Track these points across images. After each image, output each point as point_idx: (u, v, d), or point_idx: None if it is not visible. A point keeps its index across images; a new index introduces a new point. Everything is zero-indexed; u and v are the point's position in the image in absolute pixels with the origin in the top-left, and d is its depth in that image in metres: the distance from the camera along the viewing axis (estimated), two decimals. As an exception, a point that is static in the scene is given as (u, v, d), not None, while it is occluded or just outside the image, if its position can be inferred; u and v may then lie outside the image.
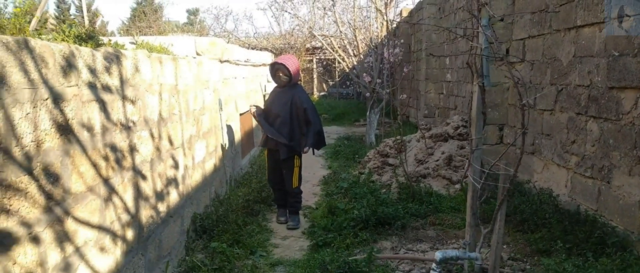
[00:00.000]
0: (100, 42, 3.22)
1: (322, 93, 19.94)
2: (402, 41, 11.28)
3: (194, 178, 4.22)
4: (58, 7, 27.06)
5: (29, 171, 1.87)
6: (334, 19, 11.48)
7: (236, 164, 6.25)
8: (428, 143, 6.66)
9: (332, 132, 11.44)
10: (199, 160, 4.40)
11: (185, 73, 4.12)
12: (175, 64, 3.85)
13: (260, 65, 8.89)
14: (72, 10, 27.36)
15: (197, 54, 5.28)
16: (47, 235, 1.96)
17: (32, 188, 1.88)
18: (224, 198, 4.93)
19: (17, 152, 1.80)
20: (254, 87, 8.24)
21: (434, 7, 10.02)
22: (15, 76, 1.80)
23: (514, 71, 5.54)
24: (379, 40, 9.87)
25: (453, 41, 8.66)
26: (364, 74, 9.37)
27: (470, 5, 3.25)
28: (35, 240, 1.89)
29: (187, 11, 36.47)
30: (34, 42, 1.94)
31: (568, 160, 4.39)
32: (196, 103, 4.42)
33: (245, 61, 7.29)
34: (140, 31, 16.84)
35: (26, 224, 1.83)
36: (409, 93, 12.25)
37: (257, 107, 4.87)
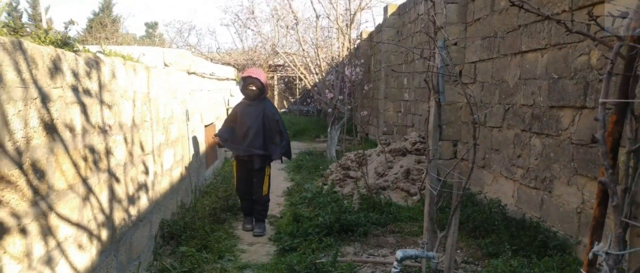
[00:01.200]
0: (75, 49, 3.30)
1: (283, 110, 20.14)
2: (362, 61, 11.71)
3: (163, 185, 4.29)
4: (9, 14, 26.04)
5: (20, 166, 1.96)
6: (297, 37, 11.78)
7: (201, 175, 6.31)
8: (387, 157, 6.97)
9: (293, 147, 11.54)
10: (167, 168, 4.47)
11: (157, 82, 4.22)
12: (147, 73, 3.95)
13: (224, 79, 9.01)
14: (25, 19, 26.41)
15: (165, 65, 5.37)
16: (33, 227, 2.04)
17: (22, 182, 1.97)
18: (190, 206, 5.00)
19: (9, 146, 1.89)
20: (218, 100, 8.34)
21: (392, 30, 10.51)
22: (9, 75, 1.90)
23: (466, 89, 5.96)
24: (341, 59, 10.23)
25: (411, 62, 9.12)
26: (327, 91, 9.66)
27: (427, 28, 3.57)
28: (23, 231, 1.97)
29: (146, 24, 35.87)
30: (27, 44, 2.05)
31: (514, 173, 4.78)
32: (165, 111, 4.51)
33: (210, 74, 7.40)
34: (98, 42, 16.50)
35: (16, 215, 1.91)
36: (369, 111, 12.66)
37: (217, 135, 5.02)
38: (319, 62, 10.75)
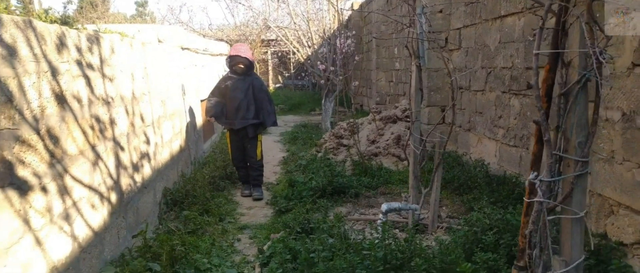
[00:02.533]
0: (75, 28, 3.50)
1: (278, 85, 20.27)
2: (353, 32, 11.83)
3: (164, 155, 4.54)
4: (-2, -3, 25.76)
5: (37, 131, 2.20)
6: (288, 11, 11.85)
7: (199, 147, 6.56)
8: (379, 124, 7.23)
9: (289, 121, 11.86)
10: (167, 139, 4.72)
11: (152, 57, 4.43)
12: (143, 49, 4.15)
13: (217, 55, 9.17)
14: (13, 2, 26.11)
15: (159, 41, 5.55)
16: (52, 186, 2.30)
17: (40, 146, 2.22)
18: (190, 176, 5.27)
19: (28, 114, 2.13)
20: (213, 75, 8.52)
21: (382, 0, 10.61)
22: (23, 50, 2.13)
23: (452, 55, 6.18)
24: (332, 31, 10.36)
25: (400, 31, 9.28)
26: (319, 63, 9.83)
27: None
28: (44, 189, 2.23)
29: (136, 3, 35.55)
30: (36, 22, 2.26)
31: (496, 133, 5.05)
32: (162, 85, 4.73)
33: (203, 50, 7.57)
34: (93, 22, 16.51)
35: (37, 175, 2.17)
36: (361, 82, 12.84)
37: (212, 115, 5.28)
38: (310, 35, 10.88)
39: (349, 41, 10.48)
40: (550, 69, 1.64)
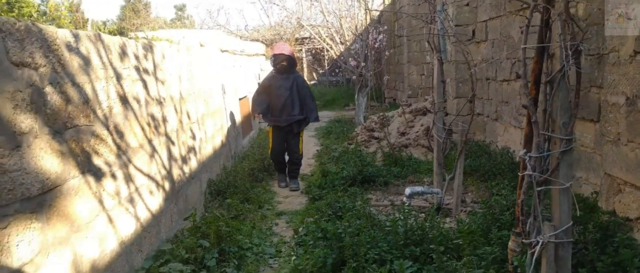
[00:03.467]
0: (129, 37, 3.97)
1: (313, 82, 20.67)
2: (385, 27, 12.03)
3: (207, 149, 4.98)
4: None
5: (107, 127, 2.63)
6: (320, 9, 12.17)
7: (238, 143, 7.01)
8: (408, 117, 7.46)
9: (323, 116, 12.20)
10: (209, 135, 5.16)
11: (196, 60, 4.87)
12: (188, 53, 4.59)
13: (253, 55, 9.62)
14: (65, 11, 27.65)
15: (201, 44, 6.01)
16: (119, 174, 2.74)
17: (109, 140, 2.65)
18: (231, 169, 5.71)
19: (99, 113, 2.56)
20: (250, 74, 8.97)
21: (412, -5, 10.77)
22: (95, 60, 2.56)
23: (479, 47, 6.35)
24: (364, 27, 10.62)
25: (422, 27, 9.43)
26: (351, 59, 10.11)
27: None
28: (113, 176, 2.66)
29: (175, 7, 36.89)
30: (104, 36, 2.70)
31: (521, 121, 5.21)
32: (205, 85, 5.17)
33: (241, 51, 8.02)
34: (136, 28, 17.40)
35: (108, 164, 2.60)
36: (394, 76, 13.03)
37: (260, 112, 5.53)
38: (343, 32, 11.17)
39: (381, 36, 10.70)
40: (537, 61, 1.90)
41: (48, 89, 2.06)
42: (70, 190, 2.19)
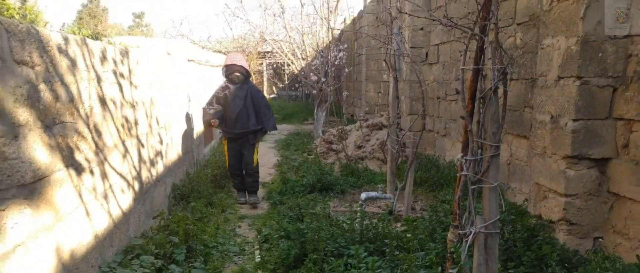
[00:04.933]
0: (100, 41, 4.12)
1: (272, 95, 20.92)
2: (345, 45, 12.53)
3: (172, 155, 5.14)
4: None
5: (88, 126, 2.81)
6: (283, 24, 12.53)
7: (200, 151, 7.16)
8: (365, 131, 7.87)
9: (283, 129, 12.47)
10: (175, 141, 5.32)
11: (164, 68, 5.05)
12: (158, 61, 4.78)
13: (217, 66, 9.79)
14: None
15: (168, 53, 6.19)
16: (97, 170, 2.91)
17: (89, 138, 2.83)
18: (194, 175, 5.87)
19: (82, 112, 2.75)
20: (213, 84, 9.14)
21: (371, 16, 11.34)
22: (80, 62, 2.75)
23: (431, 69, 6.86)
24: (325, 44, 11.05)
25: (389, 43, 9.99)
26: (311, 74, 10.49)
27: (386, 19, 4.43)
28: (92, 172, 2.83)
29: (133, 14, 36.33)
30: (88, 40, 2.89)
31: (467, 137, 5.70)
32: (172, 93, 5.35)
33: (205, 62, 8.21)
34: (96, 33, 17.10)
35: (87, 160, 2.78)
36: (352, 93, 13.52)
37: (215, 117, 5.36)
38: (304, 48, 11.56)
39: (341, 54, 11.16)
40: (474, 80, 2.28)
41: (42, 86, 2.25)
42: (56, 181, 2.36)
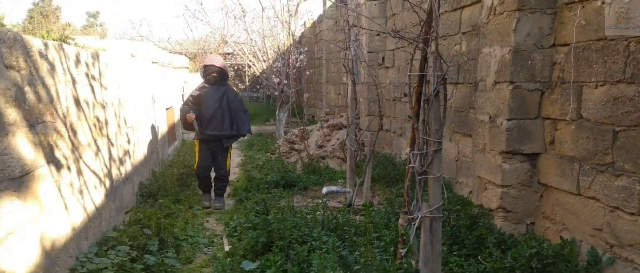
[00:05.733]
0: (69, 45, 4.25)
1: (233, 96, 20.90)
2: (306, 48, 12.86)
3: (139, 154, 5.28)
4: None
5: (65, 125, 2.98)
6: (245, 27, 12.70)
7: (165, 151, 7.28)
8: (326, 131, 8.21)
9: (245, 129, 12.65)
10: (141, 141, 5.46)
11: (130, 70, 5.19)
12: (124, 63, 4.92)
13: (179, 67, 9.89)
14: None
15: (132, 55, 6.29)
16: (73, 167, 3.07)
17: (66, 136, 2.99)
18: (160, 174, 6.00)
19: (60, 112, 2.91)
20: (176, 86, 9.24)
21: (331, 21, 11.72)
22: (58, 66, 2.92)
23: (387, 72, 7.25)
24: (286, 47, 11.33)
25: (347, 48, 10.38)
26: (273, 76, 10.74)
27: (344, 26, 4.77)
28: (69, 168, 3.00)
29: (87, 13, 35.28)
30: (65, 45, 3.05)
31: (420, 136, 6.13)
32: (137, 94, 5.48)
33: (168, 64, 8.31)
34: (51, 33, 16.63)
35: (65, 157, 2.95)
36: (313, 94, 13.85)
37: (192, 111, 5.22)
38: (265, 51, 11.78)
39: (301, 57, 11.47)
40: (419, 84, 2.63)
41: (27, 88, 2.43)
42: (40, 176, 2.54)
